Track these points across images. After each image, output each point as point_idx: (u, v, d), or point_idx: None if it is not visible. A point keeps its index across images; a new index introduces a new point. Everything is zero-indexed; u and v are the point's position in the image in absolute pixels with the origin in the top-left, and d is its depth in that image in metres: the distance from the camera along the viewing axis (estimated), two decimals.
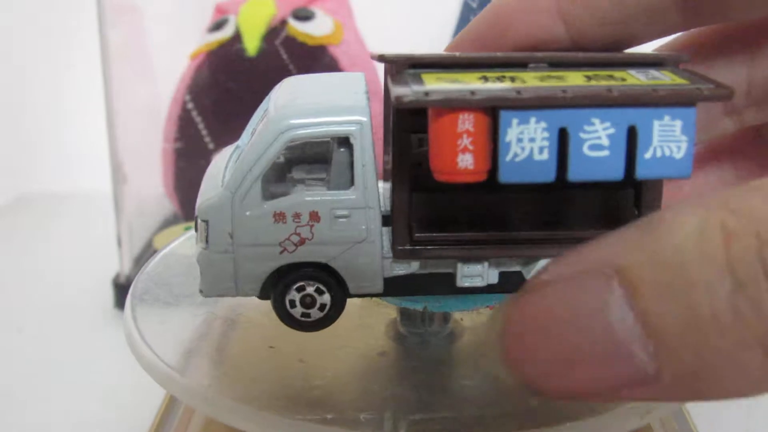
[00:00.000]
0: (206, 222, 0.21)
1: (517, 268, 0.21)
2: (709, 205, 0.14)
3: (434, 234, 0.20)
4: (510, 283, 0.21)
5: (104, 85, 0.46)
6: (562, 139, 0.17)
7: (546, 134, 0.17)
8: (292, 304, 0.21)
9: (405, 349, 0.25)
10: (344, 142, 0.20)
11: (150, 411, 0.29)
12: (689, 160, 0.17)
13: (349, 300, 0.27)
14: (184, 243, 0.32)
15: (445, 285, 0.21)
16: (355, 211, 0.20)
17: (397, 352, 0.25)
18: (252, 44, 0.48)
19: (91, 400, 0.38)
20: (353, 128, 0.20)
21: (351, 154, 0.20)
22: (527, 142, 0.17)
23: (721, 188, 0.21)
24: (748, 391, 0.14)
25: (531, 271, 0.21)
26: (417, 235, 0.20)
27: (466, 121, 0.17)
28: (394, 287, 0.21)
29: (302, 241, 0.20)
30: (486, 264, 0.21)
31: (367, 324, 0.27)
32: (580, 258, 0.15)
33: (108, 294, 0.47)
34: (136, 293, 0.27)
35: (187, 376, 0.23)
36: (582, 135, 0.17)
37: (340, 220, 0.20)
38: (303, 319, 0.21)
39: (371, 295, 0.21)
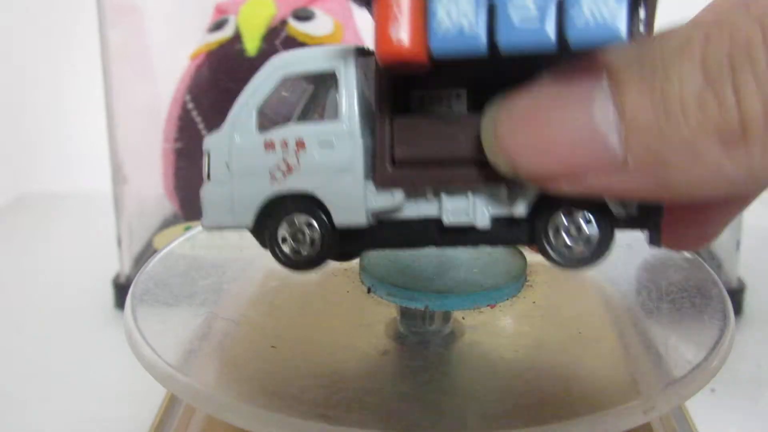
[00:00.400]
0: (208, 153, 0.22)
1: (506, 211, 0.20)
2: (702, 22, 0.16)
3: (415, 156, 0.20)
4: (502, 233, 0.21)
5: (104, 85, 0.46)
6: (492, 11, 0.17)
7: (474, 6, 0.17)
8: (284, 240, 0.21)
9: (405, 349, 0.26)
10: (332, 77, 0.21)
11: (150, 411, 0.29)
12: (623, 23, 0.16)
13: (348, 300, 0.27)
14: (184, 243, 0.32)
15: (434, 233, 0.21)
16: (340, 139, 0.21)
17: (398, 351, 0.26)
18: (252, 44, 0.48)
19: (91, 400, 0.38)
20: (338, 62, 0.21)
21: (337, 88, 0.21)
22: (456, 15, 0.17)
23: None
24: (705, 185, 0.16)
25: (521, 209, 0.20)
26: (398, 156, 0.20)
27: None
28: (381, 235, 0.21)
29: (289, 170, 0.21)
30: (471, 197, 0.20)
31: (367, 324, 0.27)
32: (575, 63, 0.17)
33: (108, 294, 0.47)
34: (136, 293, 0.27)
35: (188, 375, 0.23)
36: (510, 6, 0.17)
37: (325, 148, 0.21)
38: (293, 256, 0.21)
39: (356, 228, 0.21)
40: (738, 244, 0.45)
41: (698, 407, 0.29)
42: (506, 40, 0.17)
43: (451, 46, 0.17)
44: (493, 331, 0.26)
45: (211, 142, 0.22)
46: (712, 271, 0.28)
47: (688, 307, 0.26)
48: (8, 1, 0.70)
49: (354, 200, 0.21)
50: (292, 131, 0.21)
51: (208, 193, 0.22)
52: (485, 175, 0.20)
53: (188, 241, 0.32)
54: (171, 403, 0.30)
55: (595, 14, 0.17)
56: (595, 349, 0.26)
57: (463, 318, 0.27)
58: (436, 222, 0.21)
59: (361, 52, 0.21)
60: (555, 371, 0.24)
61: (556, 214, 0.20)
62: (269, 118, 0.22)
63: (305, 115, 0.22)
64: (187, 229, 0.45)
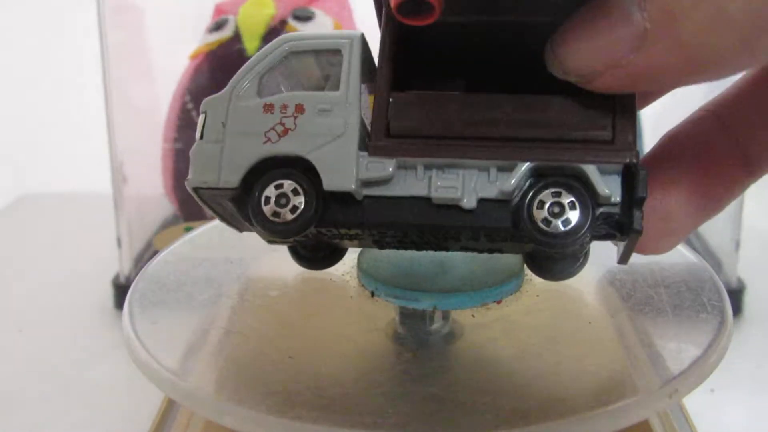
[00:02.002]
0: (205, 114, 0.22)
1: (494, 194, 0.20)
2: None
3: (409, 129, 0.20)
4: (487, 215, 0.20)
5: (104, 85, 0.46)
6: None
7: None
8: (267, 200, 0.21)
9: (405, 349, 0.26)
10: (336, 53, 0.22)
11: (150, 411, 0.29)
12: None
13: (348, 300, 0.27)
14: (184, 244, 0.32)
15: (421, 213, 0.21)
16: (337, 106, 0.21)
17: (398, 352, 0.26)
18: (252, 44, 0.48)
19: (91, 400, 0.38)
20: (345, 41, 0.22)
21: (341, 64, 0.22)
22: None
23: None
24: (713, 33, 0.17)
25: (509, 184, 0.20)
26: (393, 129, 0.20)
27: None
28: (368, 212, 0.21)
29: (285, 132, 0.21)
30: (462, 174, 0.20)
31: (366, 324, 0.27)
32: None
33: (108, 294, 0.47)
34: (135, 296, 0.27)
35: (185, 379, 0.23)
36: None
37: (323, 114, 0.21)
38: (273, 218, 0.21)
39: (345, 193, 0.20)
40: (738, 244, 0.45)
41: (698, 407, 0.29)
42: None
43: None
44: (492, 330, 0.26)
45: (210, 102, 0.22)
46: (712, 271, 0.28)
47: (688, 306, 0.26)
48: (8, 1, 0.70)
49: (345, 165, 0.20)
50: (293, 96, 0.21)
51: (198, 150, 0.21)
52: (478, 150, 0.20)
53: (189, 243, 0.32)
54: (171, 403, 0.30)
55: None
56: (594, 348, 0.26)
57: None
58: (425, 201, 0.21)
59: (366, 40, 0.22)
60: (555, 370, 0.24)
61: (545, 192, 0.20)
62: (271, 87, 0.22)
63: (296, 87, 0.22)
64: (188, 229, 0.45)
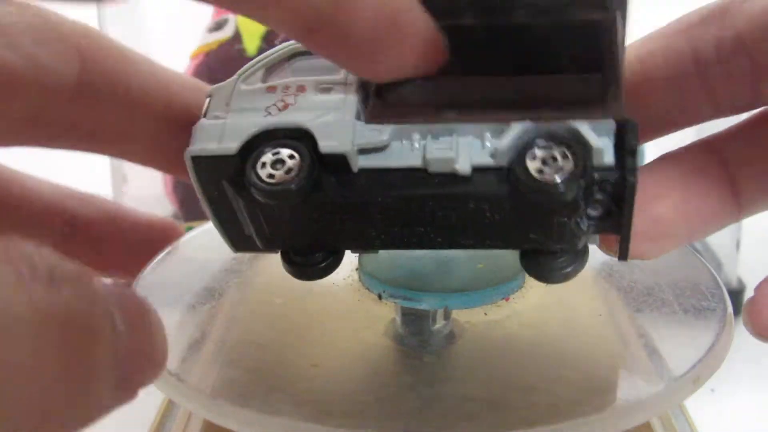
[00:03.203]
0: (210, 96, 0.23)
1: (488, 160, 0.20)
2: None
3: (405, 96, 0.21)
4: (483, 183, 0.20)
5: None
6: None
7: None
8: (263, 165, 0.21)
9: (405, 349, 0.26)
10: None
11: (150, 411, 0.29)
12: None
13: (348, 300, 0.27)
14: (185, 244, 0.32)
15: (417, 183, 0.21)
16: (337, 85, 0.22)
17: (397, 352, 0.26)
18: (252, 44, 0.48)
19: None
20: None
21: None
22: None
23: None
24: None
25: (503, 144, 0.20)
26: (389, 95, 0.21)
27: None
28: (366, 181, 0.21)
29: (285, 106, 0.22)
30: (457, 140, 0.21)
31: (366, 324, 0.27)
32: None
33: None
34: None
35: (185, 379, 0.23)
36: None
37: (323, 92, 0.22)
38: (267, 180, 0.21)
39: (341, 159, 0.21)
40: (738, 244, 0.45)
41: (698, 407, 0.29)
42: None
43: None
44: (492, 329, 0.26)
45: (215, 88, 0.23)
46: (712, 271, 0.28)
47: (688, 306, 0.26)
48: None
49: (342, 129, 0.21)
50: (296, 80, 0.22)
51: (200, 125, 0.22)
52: (472, 115, 0.20)
53: (189, 243, 0.32)
54: (171, 403, 0.30)
55: None
56: (594, 349, 0.26)
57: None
58: (421, 172, 0.21)
59: None
60: (555, 371, 0.24)
61: (536, 146, 0.20)
62: (276, 76, 0.23)
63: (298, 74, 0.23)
64: (188, 229, 0.45)
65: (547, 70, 0.21)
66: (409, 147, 0.21)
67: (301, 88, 0.22)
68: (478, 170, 0.20)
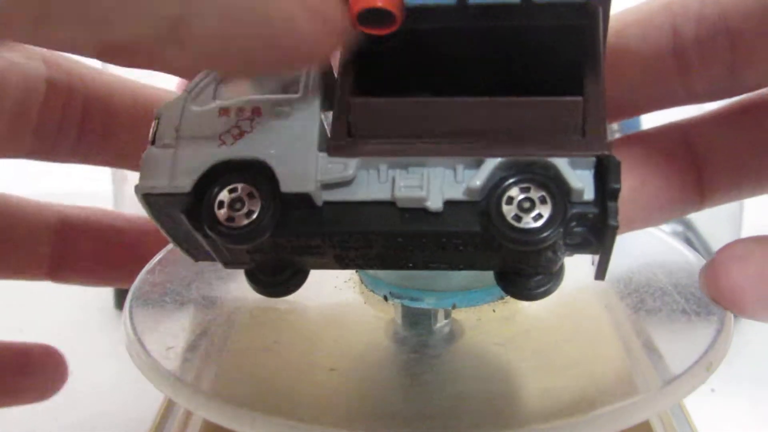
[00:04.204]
0: (158, 119, 0.21)
1: (461, 195, 0.19)
2: None
3: (372, 127, 0.19)
4: (455, 218, 0.19)
5: None
6: None
7: None
8: (221, 204, 0.20)
9: (405, 350, 0.26)
10: None
11: (150, 411, 0.29)
12: None
13: (348, 300, 0.27)
14: None
15: (385, 218, 0.20)
16: (297, 110, 0.20)
17: (397, 352, 0.26)
18: None
19: (91, 400, 0.38)
20: None
21: (302, 72, 0.20)
22: None
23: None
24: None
25: (476, 182, 0.19)
26: (355, 126, 0.20)
27: None
28: (329, 218, 0.20)
29: (241, 134, 0.20)
30: (427, 173, 0.19)
31: (366, 324, 0.27)
32: None
33: (108, 294, 0.47)
34: (135, 296, 0.27)
35: (185, 379, 0.23)
36: None
37: (281, 117, 0.20)
38: (227, 224, 0.19)
39: (303, 197, 0.19)
40: None
41: (698, 407, 0.29)
42: None
43: None
44: (492, 329, 0.26)
45: (164, 107, 0.21)
46: None
47: (688, 306, 0.26)
48: None
49: (303, 166, 0.19)
50: (249, 99, 0.20)
51: (149, 155, 0.20)
52: (443, 148, 0.19)
53: None
54: (171, 403, 0.30)
55: None
56: (594, 348, 0.26)
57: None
58: (389, 206, 0.19)
59: None
60: (555, 370, 0.24)
61: (513, 186, 0.19)
62: (228, 91, 0.21)
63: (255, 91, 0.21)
64: None
65: (523, 88, 0.19)
66: (376, 178, 0.20)
67: (256, 111, 0.20)
68: (450, 204, 0.19)
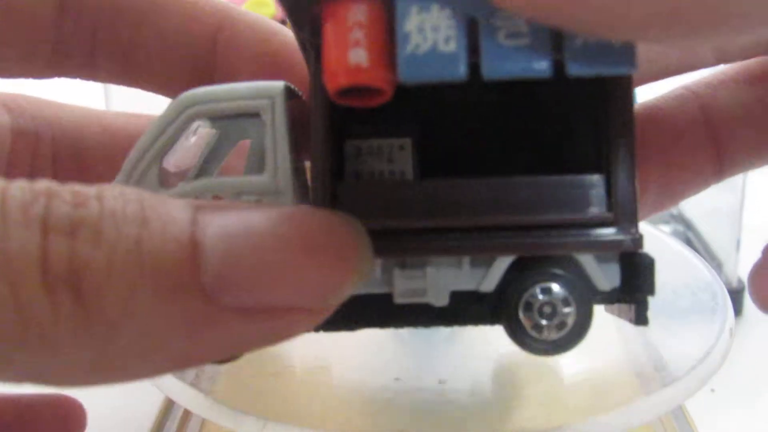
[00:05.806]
0: None
1: (470, 287, 0.17)
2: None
3: (365, 217, 0.16)
4: (463, 311, 0.17)
5: (103, 85, 0.46)
6: (473, 27, 0.14)
7: (452, 22, 0.13)
8: None
9: (405, 349, 0.25)
10: (255, 117, 0.18)
11: (150, 411, 0.29)
12: (631, 51, 0.13)
13: None
14: None
15: (382, 313, 0.18)
16: (265, 196, 0.17)
17: (397, 352, 0.25)
18: None
19: (90, 400, 0.38)
20: (264, 102, 0.17)
21: (263, 134, 0.17)
22: (430, 31, 0.14)
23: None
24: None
25: (487, 284, 0.17)
26: (341, 206, 0.17)
27: (357, 12, 0.14)
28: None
29: None
30: (428, 271, 0.17)
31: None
32: None
33: None
34: None
35: (185, 379, 0.23)
36: (497, 21, 0.13)
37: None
38: None
39: None
40: (738, 244, 0.45)
41: (698, 407, 0.29)
42: (491, 65, 0.14)
43: (422, 74, 0.14)
44: (493, 329, 0.26)
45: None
46: (712, 271, 0.28)
47: (689, 307, 0.26)
48: None
49: None
50: (207, 186, 0.17)
51: None
52: (445, 244, 0.16)
53: None
54: (170, 403, 0.30)
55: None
56: (595, 349, 0.26)
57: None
58: (386, 298, 0.17)
59: (289, 93, 0.18)
60: (556, 372, 0.24)
61: (531, 288, 0.17)
62: (177, 171, 0.18)
63: (204, 172, 0.18)
64: None
65: (539, 165, 0.17)
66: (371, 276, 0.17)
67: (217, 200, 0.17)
68: (456, 294, 0.17)
